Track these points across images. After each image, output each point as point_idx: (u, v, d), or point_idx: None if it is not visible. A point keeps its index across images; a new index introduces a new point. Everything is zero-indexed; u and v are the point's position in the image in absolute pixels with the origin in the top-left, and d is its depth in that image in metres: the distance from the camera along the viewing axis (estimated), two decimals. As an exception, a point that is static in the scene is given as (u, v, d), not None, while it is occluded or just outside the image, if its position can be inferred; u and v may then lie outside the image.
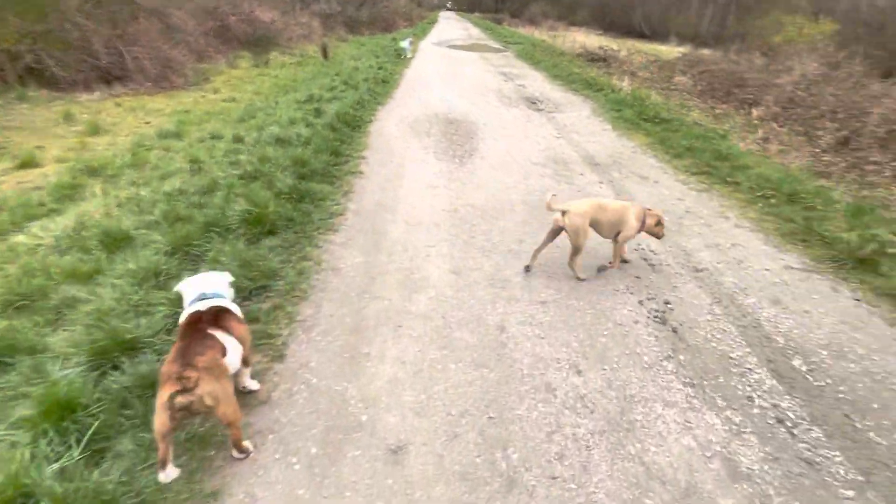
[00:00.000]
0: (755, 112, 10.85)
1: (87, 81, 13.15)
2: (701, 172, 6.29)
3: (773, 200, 5.37)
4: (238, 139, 7.82)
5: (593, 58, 20.38)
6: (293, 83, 14.39)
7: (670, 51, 33.88)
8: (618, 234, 3.81)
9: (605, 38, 42.06)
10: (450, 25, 41.70)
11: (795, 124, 11.24)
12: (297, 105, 10.08)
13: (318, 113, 8.66)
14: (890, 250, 4.17)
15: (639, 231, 3.85)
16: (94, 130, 9.56)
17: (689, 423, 2.56)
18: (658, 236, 4.03)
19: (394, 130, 7.60)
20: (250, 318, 3.10)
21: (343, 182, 5.43)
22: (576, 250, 3.74)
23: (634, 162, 6.66)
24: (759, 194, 5.52)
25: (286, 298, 3.35)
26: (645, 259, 4.15)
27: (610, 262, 3.99)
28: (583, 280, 3.81)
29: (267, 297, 3.37)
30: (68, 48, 13.00)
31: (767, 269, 4.06)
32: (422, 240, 4.26)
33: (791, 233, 4.69)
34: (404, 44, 16.91)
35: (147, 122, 10.41)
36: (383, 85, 11.28)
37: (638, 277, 3.89)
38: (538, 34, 37.45)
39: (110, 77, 13.50)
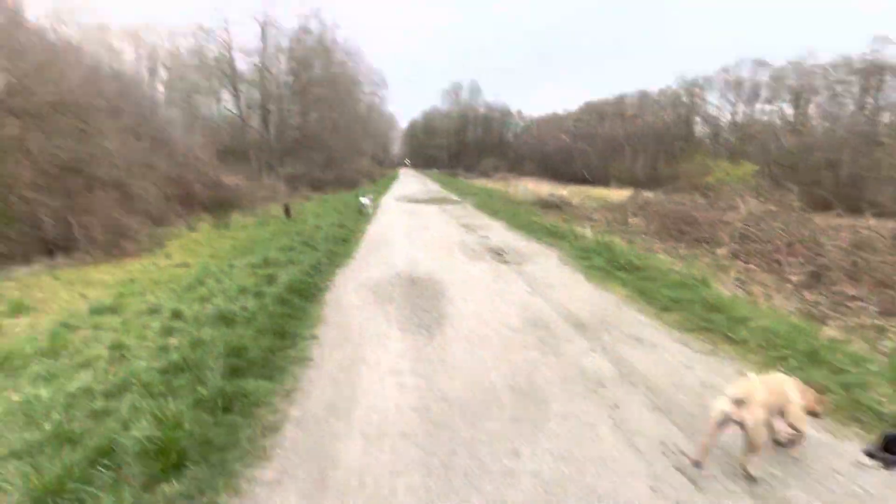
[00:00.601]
0: (720, 251, 10.75)
1: (27, 254, 12.20)
2: (697, 328, 5.56)
3: (792, 361, 4.58)
4: (177, 315, 6.79)
5: (547, 205, 21.16)
6: (252, 245, 13.86)
7: (614, 193, 36.29)
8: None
9: (553, 185, 45.29)
10: (409, 181, 44.11)
11: (758, 259, 11.16)
12: (250, 270, 9.32)
13: (270, 280, 7.84)
14: (970, 430, 3.30)
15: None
16: (17, 310, 8.40)
17: None
18: (817, 415, 3.30)
19: (353, 298, 6.74)
20: None
21: (287, 375, 4.35)
22: (754, 448, 2.96)
23: (622, 319, 5.92)
24: (774, 354, 4.75)
25: None
26: (678, 469, 3.11)
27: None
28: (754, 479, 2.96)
29: None
30: (11, 222, 12.25)
31: (838, 473, 3.08)
32: (385, 464, 3.12)
33: (837, 408, 3.80)
34: (365, 200, 17.06)
35: (83, 296, 9.33)
36: (344, 244, 10.75)
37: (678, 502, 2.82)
38: (491, 185, 39.96)
39: (55, 248, 12.63)
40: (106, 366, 5.32)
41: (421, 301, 6.62)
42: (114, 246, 13.50)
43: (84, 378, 4.96)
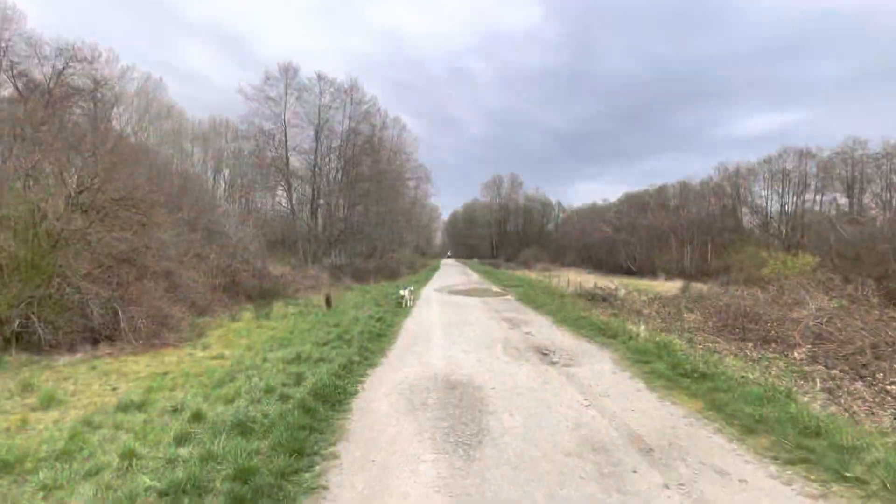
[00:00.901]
0: (796, 354, 9.52)
1: (72, 343, 12.26)
2: (795, 460, 4.51)
3: (938, 516, 3.50)
4: (197, 417, 6.26)
5: (594, 297, 20.19)
6: (290, 336, 13.52)
7: (662, 285, 34.83)
8: None
9: (596, 276, 44.14)
10: (451, 272, 44.04)
11: (842, 364, 9.83)
12: (282, 366, 8.87)
13: (298, 380, 7.29)
14: None
15: None
16: (47, 403, 8.10)
17: None
18: None
19: (382, 405, 6.05)
20: None
21: (295, 512, 3.65)
22: None
23: (697, 443, 4.93)
24: (910, 505, 3.68)
25: None
26: None
27: None
28: None
29: None
30: (63, 311, 12.48)
31: None
32: None
33: None
34: (404, 292, 16.71)
35: (114, 389, 9.02)
36: (379, 340, 10.20)
37: None
38: (533, 275, 39.30)
39: (99, 337, 12.68)
40: (111, 478, 4.80)
41: (459, 411, 5.85)
42: (155, 336, 13.46)
43: (84, 493, 4.43)
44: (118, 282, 14.16)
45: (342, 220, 35.93)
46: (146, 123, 35.05)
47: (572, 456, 4.60)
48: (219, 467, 4.35)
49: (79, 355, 11.85)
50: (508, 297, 20.48)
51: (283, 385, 7.11)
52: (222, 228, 24.65)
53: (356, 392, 6.54)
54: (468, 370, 7.74)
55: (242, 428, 5.42)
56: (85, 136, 14.91)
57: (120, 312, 13.22)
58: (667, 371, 7.44)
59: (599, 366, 8.15)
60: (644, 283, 37.64)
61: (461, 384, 6.97)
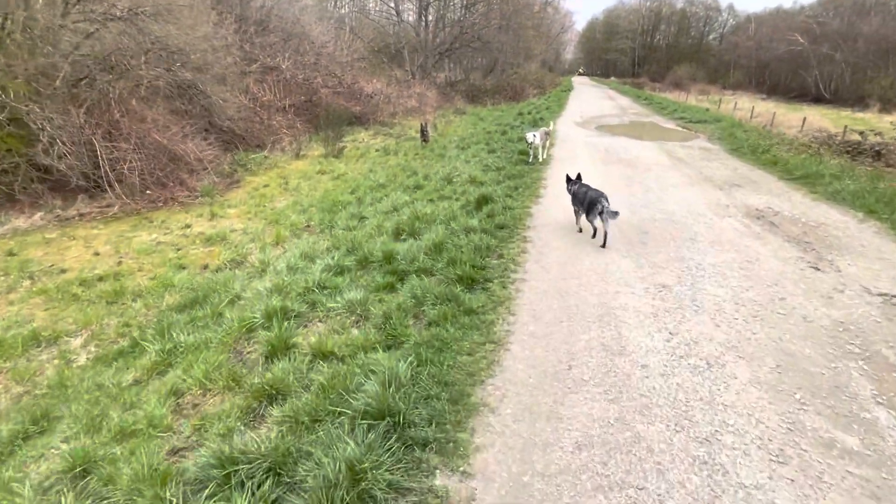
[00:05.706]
0: None
1: (37, 196, 7.51)
2: None
3: None
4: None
5: (848, 149, 11.02)
6: (348, 198, 7.53)
7: (879, 120, 21.86)
8: None
9: (775, 104, 31.12)
10: (589, 93, 33.30)
11: None
12: (246, 328, 2.96)
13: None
14: None
15: None
16: None
17: None
18: None
19: None
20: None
21: None
22: None
23: None
24: None
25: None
26: None
27: None
28: None
29: None
30: (17, 147, 7.49)
31: None
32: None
33: None
34: (533, 137, 8.97)
35: None
36: (472, 295, 3.40)
37: None
38: (695, 101, 27.91)
39: (79, 188, 7.76)
40: None
41: None
42: (162, 186, 8.30)
43: None
44: (99, 104, 8.65)
45: (457, 23, 26.57)
46: None
47: None
48: None
49: (37, 216, 7.08)
50: (700, 140, 11.94)
51: None
52: (302, 31, 17.70)
53: None
54: None
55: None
56: None
57: (99, 151, 7.96)
58: None
59: None
60: (846, 114, 24.94)
61: None
